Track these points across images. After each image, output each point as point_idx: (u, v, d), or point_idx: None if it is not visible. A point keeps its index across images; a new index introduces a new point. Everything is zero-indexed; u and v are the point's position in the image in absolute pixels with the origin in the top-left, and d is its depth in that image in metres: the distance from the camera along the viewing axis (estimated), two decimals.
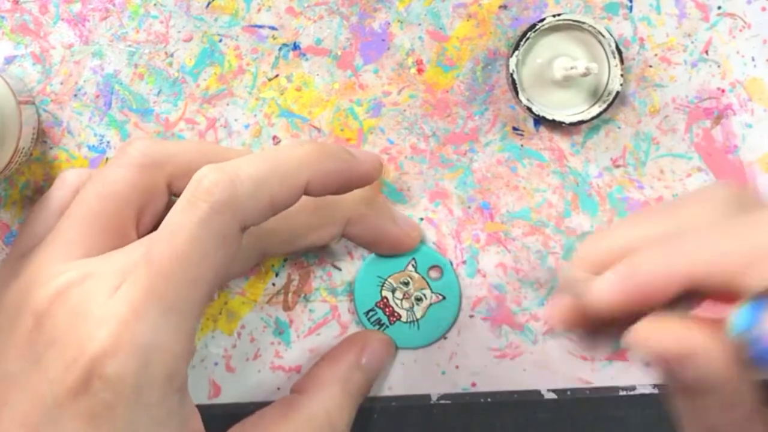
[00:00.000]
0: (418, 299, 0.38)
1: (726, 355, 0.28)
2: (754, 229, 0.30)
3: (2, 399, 0.29)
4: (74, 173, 0.35)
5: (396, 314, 0.38)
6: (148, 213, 0.33)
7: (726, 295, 0.29)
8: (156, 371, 0.28)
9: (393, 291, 0.38)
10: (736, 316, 0.28)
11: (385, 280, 0.38)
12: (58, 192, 0.35)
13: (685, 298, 0.31)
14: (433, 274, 0.38)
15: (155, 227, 0.32)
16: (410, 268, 0.38)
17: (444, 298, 0.38)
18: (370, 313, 0.38)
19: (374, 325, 0.38)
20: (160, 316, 0.28)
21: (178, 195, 0.34)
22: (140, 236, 0.32)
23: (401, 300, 0.38)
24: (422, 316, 0.38)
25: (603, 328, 0.31)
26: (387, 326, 0.38)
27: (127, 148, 0.33)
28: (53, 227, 0.33)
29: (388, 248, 0.38)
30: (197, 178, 0.29)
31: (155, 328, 0.28)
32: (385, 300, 0.38)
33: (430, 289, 0.38)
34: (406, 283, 0.38)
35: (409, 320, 0.38)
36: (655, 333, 0.29)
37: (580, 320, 0.33)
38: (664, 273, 0.30)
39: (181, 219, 0.28)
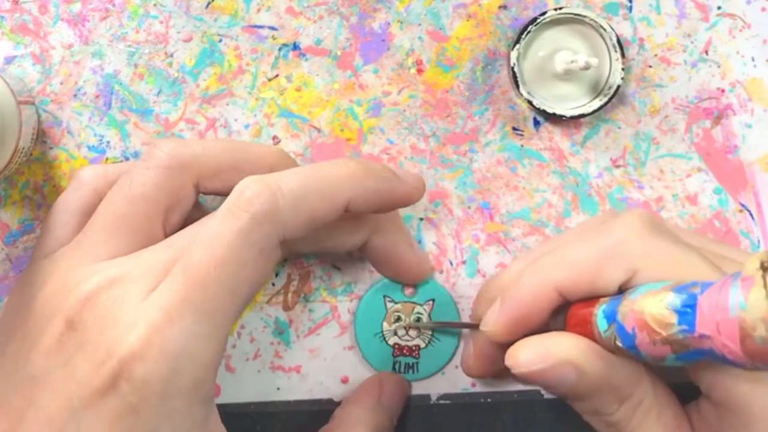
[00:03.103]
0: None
1: (591, 353, 0.29)
2: (603, 234, 0.31)
3: (28, 399, 0.29)
4: (89, 171, 0.34)
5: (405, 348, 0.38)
6: (175, 213, 0.33)
7: (594, 298, 0.31)
8: (184, 380, 0.28)
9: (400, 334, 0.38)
10: (597, 318, 0.29)
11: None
12: (75, 192, 0.34)
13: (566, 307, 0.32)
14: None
15: (183, 226, 0.32)
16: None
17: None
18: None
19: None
20: (193, 324, 0.28)
21: (206, 194, 0.34)
22: (167, 236, 0.32)
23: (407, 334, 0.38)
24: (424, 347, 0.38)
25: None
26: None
27: (154, 150, 0.33)
28: (74, 227, 0.33)
29: (396, 270, 0.37)
30: (239, 189, 0.29)
31: (187, 336, 0.28)
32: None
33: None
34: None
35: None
36: (522, 354, 0.30)
37: (491, 360, 0.35)
38: (534, 291, 0.31)
39: (221, 228, 0.28)
